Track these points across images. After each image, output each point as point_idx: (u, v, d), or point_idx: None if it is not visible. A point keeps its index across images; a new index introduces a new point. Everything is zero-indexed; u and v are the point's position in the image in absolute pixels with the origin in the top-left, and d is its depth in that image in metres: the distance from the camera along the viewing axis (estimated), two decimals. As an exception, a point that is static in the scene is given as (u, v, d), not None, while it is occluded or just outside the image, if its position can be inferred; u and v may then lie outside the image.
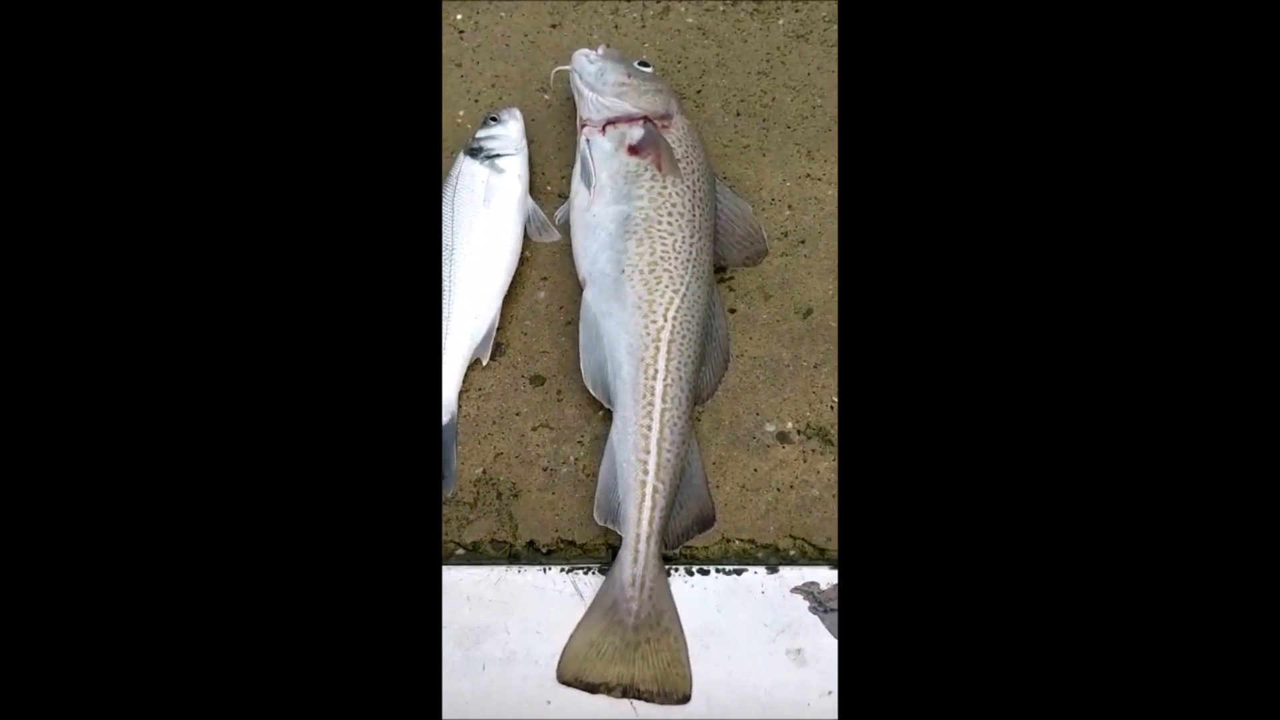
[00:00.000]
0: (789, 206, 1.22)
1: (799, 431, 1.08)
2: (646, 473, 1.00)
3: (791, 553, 1.02)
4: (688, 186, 1.11)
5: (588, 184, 1.13)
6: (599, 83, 1.18)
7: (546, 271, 1.18)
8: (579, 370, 1.06)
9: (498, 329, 1.13)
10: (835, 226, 1.20)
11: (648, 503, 0.99)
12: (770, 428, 1.08)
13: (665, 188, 1.10)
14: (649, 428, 1.01)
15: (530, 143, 1.24)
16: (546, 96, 1.31)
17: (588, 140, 1.15)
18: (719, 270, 1.16)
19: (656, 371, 1.03)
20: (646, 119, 1.14)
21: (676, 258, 1.07)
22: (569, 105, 1.26)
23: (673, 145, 1.13)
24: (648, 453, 1.00)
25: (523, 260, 1.18)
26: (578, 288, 1.11)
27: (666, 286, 1.06)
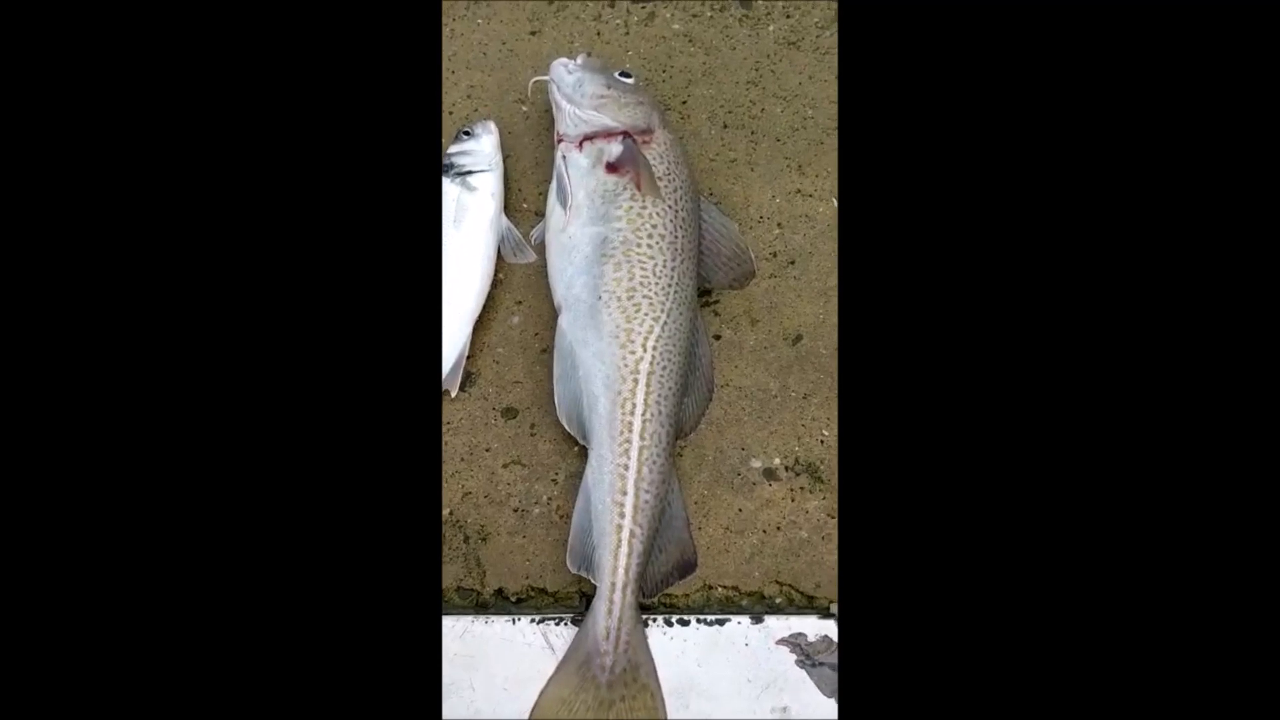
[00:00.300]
0: (778, 224, 1.13)
1: (787, 468, 1.00)
2: (623, 516, 0.92)
3: (778, 600, 0.94)
4: (669, 206, 1.02)
5: (564, 203, 1.05)
6: (577, 94, 1.10)
7: (521, 295, 1.10)
8: (554, 402, 0.98)
9: (467, 357, 1.05)
10: (827, 246, 1.11)
11: (624, 549, 0.91)
12: (756, 463, 1.00)
13: (645, 208, 1.01)
14: (626, 467, 0.93)
15: (506, 157, 1.16)
16: (524, 108, 1.22)
17: (564, 156, 1.07)
18: (703, 293, 1.08)
19: (635, 406, 0.95)
20: (626, 134, 1.05)
21: (657, 283, 0.99)
22: (548, 117, 1.18)
23: (654, 162, 1.04)
24: (624, 494, 0.92)
25: (496, 283, 1.09)
26: (554, 312, 1.03)
27: (646, 314, 0.98)
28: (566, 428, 0.98)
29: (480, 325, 1.07)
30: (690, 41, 1.27)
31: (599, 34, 1.28)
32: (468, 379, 1.05)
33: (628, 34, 1.27)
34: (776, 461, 1.00)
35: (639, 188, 1.02)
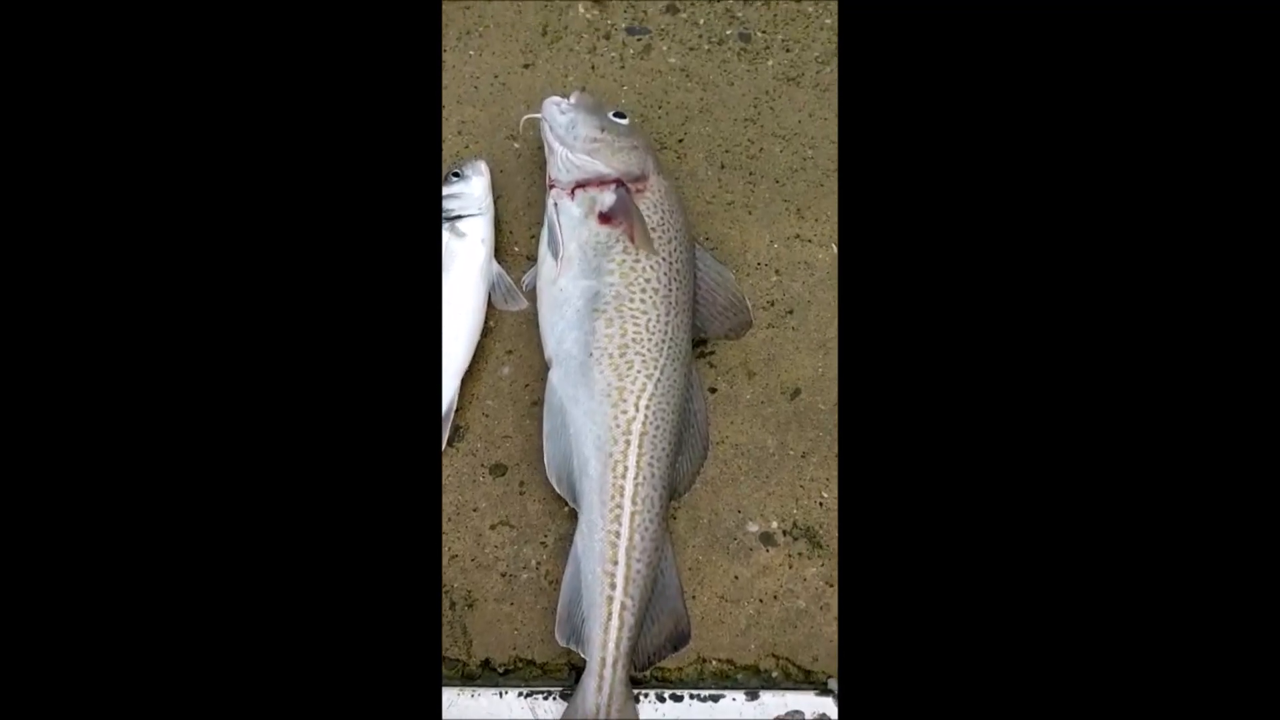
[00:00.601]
0: (776, 271, 1.08)
1: (785, 532, 0.95)
2: (614, 587, 0.87)
3: (774, 674, 0.90)
4: (663, 259, 0.97)
5: (555, 253, 1.00)
6: (569, 136, 1.04)
7: (512, 344, 1.05)
8: (543, 460, 0.94)
9: (456, 410, 1.00)
10: (826, 295, 1.06)
11: (615, 622, 0.86)
12: (753, 527, 0.95)
13: (638, 261, 0.96)
14: (617, 534, 0.88)
15: (498, 197, 1.11)
16: (516, 145, 1.17)
17: (555, 204, 1.02)
18: (699, 343, 1.03)
19: (626, 469, 0.90)
20: (619, 183, 1.00)
21: (650, 339, 0.94)
22: (541, 154, 1.12)
23: (648, 211, 0.99)
24: (615, 564, 0.88)
25: (486, 331, 1.04)
26: (546, 363, 0.98)
27: (639, 371, 0.93)
28: (556, 489, 0.93)
29: (469, 376, 1.02)
30: (687, 76, 1.21)
31: (594, 67, 1.22)
32: (455, 433, 1.00)
33: (623, 68, 1.22)
34: (774, 525, 0.95)
35: (632, 240, 0.97)
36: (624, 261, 0.96)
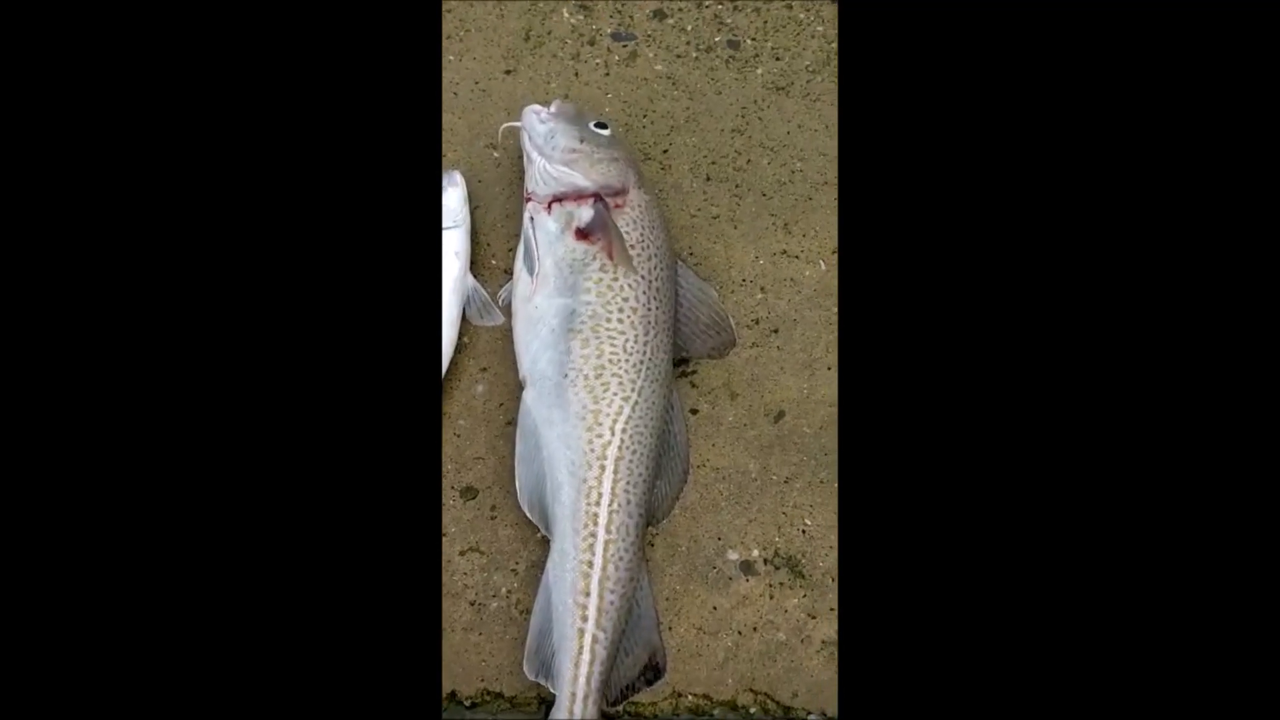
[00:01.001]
0: (761, 289, 1.03)
1: (766, 560, 0.90)
2: (586, 619, 0.82)
3: (752, 710, 0.85)
4: (642, 277, 0.92)
5: (530, 270, 0.95)
6: (548, 146, 0.99)
7: (486, 361, 1.00)
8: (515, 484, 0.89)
9: (428, 430, 0.95)
10: (813, 313, 1.01)
11: (585, 655, 0.81)
12: (733, 555, 0.90)
13: (616, 279, 0.91)
14: (590, 564, 0.83)
15: (475, 208, 1.06)
16: (496, 154, 1.12)
17: (531, 218, 0.97)
18: (680, 363, 0.98)
19: (600, 496, 0.85)
20: (597, 197, 0.95)
21: (627, 360, 0.89)
22: (521, 164, 1.07)
23: (627, 227, 0.94)
24: (588, 595, 0.83)
25: (459, 348, 0.99)
26: (520, 382, 0.93)
27: (615, 394, 0.88)
28: (528, 515, 0.88)
29: (442, 393, 0.97)
30: (674, 84, 1.16)
31: (577, 74, 1.17)
32: (426, 454, 0.95)
33: (608, 75, 1.17)
34: (755, 553, 0.90)
35: (610, 257, 0.91)
36: (601, 280, 0.91)
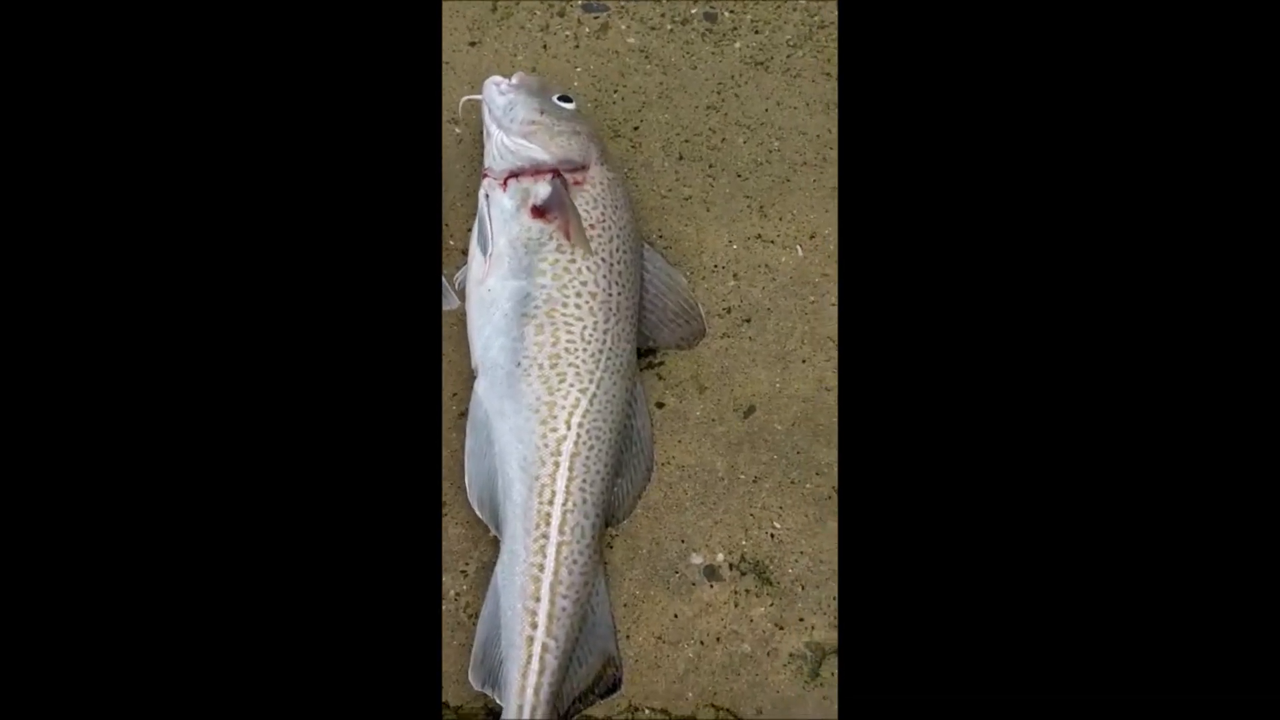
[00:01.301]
0: (734, 275, 0.96)
1: (731, 565, 0.83)
2: (535, 626, 0.75)
3: (713, 726, 0.78)
4: (603, 260, 0.85)
5: (484, 249, 0.87)
6: (506, 119, 0.91)
7: (441, 348, 0.92)
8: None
9: (375, 421, 0.88)
10: (788, 302, 0.94)
11: (534, 665, 0.74)
12: (697, 559, 0.83)
13: (574, 261, 0.84)
14: (541, 567, 0.76)
15: (434, 186, 0.98)
16: (457, 130, 1.04)
17: (487, 195, 0.89)
18: (647, 353, 0.91)
19: (554, 494, 0.78)
20: (556, 172, 0.87)
21: (585, 349, 0.82)
22: (482, 141, 1.00)
23: (588, 205, 0.87)
24: (538, 600, 0.75)
25: (412, 333, 0.92)
26: (473, 371, 0.86)
27: (571, 385, 0.81)
28: (478, 513, 0.81)
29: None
30: (647, 58, 1.09)
31: (545, 46, 1.09)
32: (373, 446, 0.87)
33: (577, 47, 1.09)
34: (720, 558, 0.83)
35: (567, 237, 0.84)
36: (558, 261, 0.84)
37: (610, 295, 0.84)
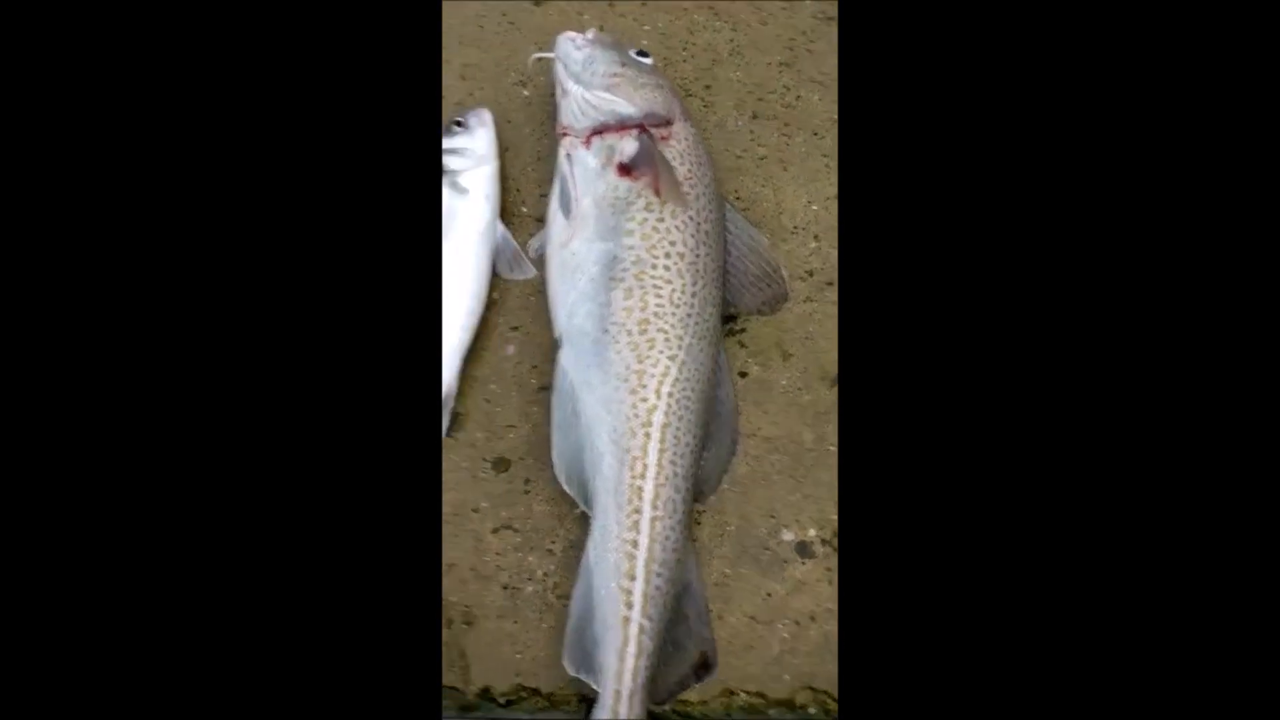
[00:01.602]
0: (815, 237, 0.90)
1: (824, 541, 0.78)
2: (631, 607, 0.71)
3: (811, 709, 0.73)
4: (691, 218, 0.79)
5: (566, 211, 0.82)
6: (586, 73, 0.86)
7: (518, 319, 0.87)
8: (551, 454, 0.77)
9: (455, 395, 0.83)
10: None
11: (631, 648, 0.70)
12: (788, 535, 0.79)
13: (663, 220, 0.78)
14: (635, 544, 0.72)
15: (504, 151, 0.93)
16: (525, 91, 0.99)
17: (568, 155, 0.84)
18: (728, 319, 0.86)
19: (646, 467, 0.73)
20: (641, 127, 0.82)
21: (675, 313, 0.77)
22: (552, 101, 0.94)
23: (675, 161, 0.81)
24: (633, 579, 0.71)
25: (489, 304, 0.87)
26: (555, 342, 0.81)
27: (661, 352, 0.76)
28: (565, 488, 0.76)
29: (470, 356, 0.85)
30: (715, 14, 1.03)
31: (611, 4, 1.03)
32: (454, 421, 0.83)
33: (644, 5, 1.03)
34: (811, 533, 0.78)
35: (658, 194, 0.79)
36: (646, 221, 0.78)
37: (698, 256, 0.79)
